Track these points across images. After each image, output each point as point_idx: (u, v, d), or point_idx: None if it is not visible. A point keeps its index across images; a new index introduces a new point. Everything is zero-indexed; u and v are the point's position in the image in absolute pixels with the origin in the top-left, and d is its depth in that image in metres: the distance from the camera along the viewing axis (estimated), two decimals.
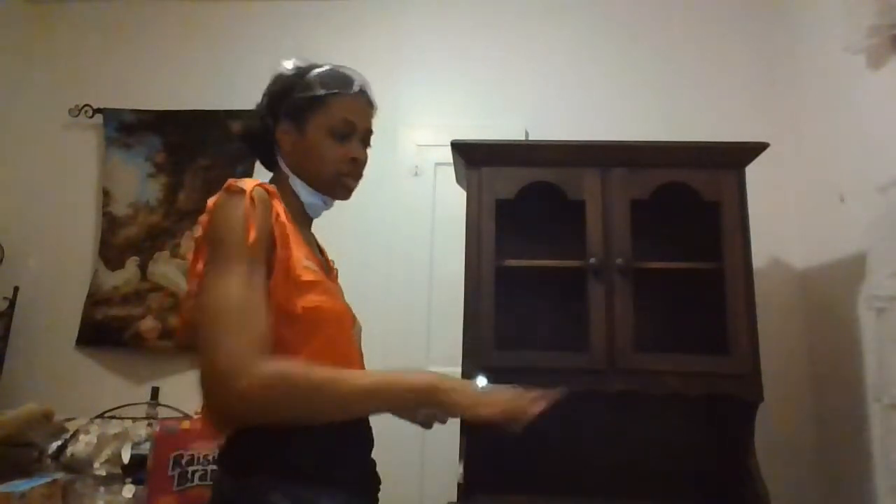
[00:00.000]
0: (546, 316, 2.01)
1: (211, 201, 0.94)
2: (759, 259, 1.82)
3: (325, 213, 1.12)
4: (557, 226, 1.91)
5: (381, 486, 1.05)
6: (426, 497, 2.10)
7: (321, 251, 1.16)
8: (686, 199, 1.79)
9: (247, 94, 2.77)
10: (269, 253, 0.90)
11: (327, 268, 1.11)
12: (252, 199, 0.91)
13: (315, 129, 1.03)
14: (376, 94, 1.09)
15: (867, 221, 1.74)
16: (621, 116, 2.36)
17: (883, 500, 1.66)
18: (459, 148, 1.84)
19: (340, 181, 1.05)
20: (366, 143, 1.08)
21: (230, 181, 0.95)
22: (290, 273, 0.91)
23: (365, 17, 2.57)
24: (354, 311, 1.08)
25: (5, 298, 2.40)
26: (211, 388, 0.81)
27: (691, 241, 1.89)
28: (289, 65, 1.07)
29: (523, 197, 1.82)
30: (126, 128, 2.55)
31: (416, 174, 2.40)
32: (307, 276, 0.93)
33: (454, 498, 1.69)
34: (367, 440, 1.03)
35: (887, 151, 1.69)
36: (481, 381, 1.13)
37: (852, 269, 1.84)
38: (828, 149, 2.06)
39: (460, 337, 1.74)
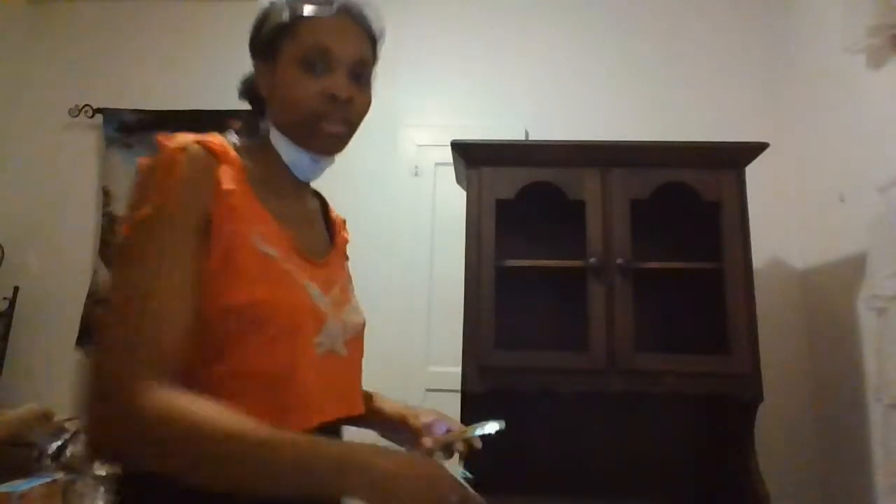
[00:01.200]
0: (546, 316, 2.01)
1: (140, 160, 0.76)
2: (759, 259, 1.82)
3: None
4: (557, 226, 1.91)
5: None
6: None
7: (330, 223, 1.00)
8: (686, 199, 1.79)
9: None
10: (206, 229, 0.72)
11: (315, 249, 0.88)
12: (179, 159, 0.72)
13: (285, 62, 0.82)
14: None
15: (867, 221, 1.74)
16: (621, 116, 2.36)
17: (883, 500, 1.66)
18: (459, 148, 1.84)
19: (318, 125, 0.82)
20: (359, 77, 0.85)
21: (160, 137, 0.75)
22: (230, 256, 0.72)
23: None
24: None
25: (5, 298, 2.40)
26: (85, 405, 0.62)
27: (691, 241, 1.89)
28: None
29: (523, 197, 1.82)
30: (126, 128, 2.54)
31: (416, 174, 2.40)
32: (251, 261, 0.74)
33: None
34: None
35: (887, 151, 1.69)
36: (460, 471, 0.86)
37: (852, 269, 1.84)
38: (828, 149, 2.06)
39: (460, 337, 1.74)
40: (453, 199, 2.07)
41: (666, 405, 1.86)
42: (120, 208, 2.48)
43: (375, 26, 0.89)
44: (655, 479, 1.86)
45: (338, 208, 1.05)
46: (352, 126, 0.86)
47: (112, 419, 0.62)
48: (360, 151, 0.99)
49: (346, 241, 1.03)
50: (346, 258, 1.02)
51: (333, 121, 0.83)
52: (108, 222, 2.47)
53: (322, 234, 0.96)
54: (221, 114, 2.45)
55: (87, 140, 2.60)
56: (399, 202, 2.40)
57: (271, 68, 0.85)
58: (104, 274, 2.42)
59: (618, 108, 2.39)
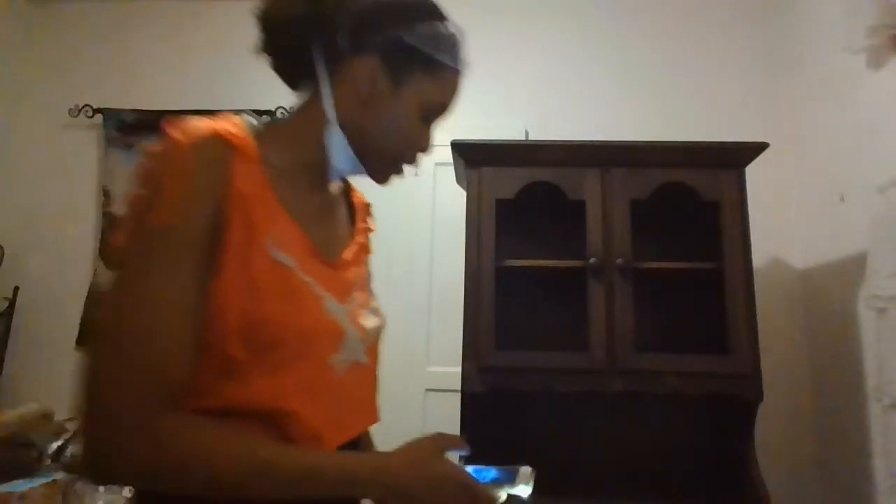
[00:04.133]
0: (546, 316, 2.00)
1: (147, 149, 0.67)
2: (759, 259, 1.82)
3: None
4: (557, 226, 1.91)
5: None
6: None
7: (354, 215, 0.93)
8: (686, 199, 1.79)
9: (247, 95, 2.77)
10: (217, 235, 0.64)
11: (333, 247, 0.81)
12: (189, 156, 0.64)
13: (413, 96, 0.76)
14: None
15: (867, 221, 1.74)
16: (621, 116, 2.36)
17: (883, 500, 1.66)
18: (459, 148, 1.84)
19: (398, 167, 0.82)
20: None
21: (167, 123, 0.68)
22: (241, 267, 0.65)
23: None
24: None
25: (5, 298, 2.40)
26: (81, 437, 0.61)
27: (691, 241, 1.89)
28: None
29: (523, 197, 1.82)
30: (126, 128, 2.54)
31: (416, 174, 2.39)
32: (264, 273, 0.66)
33: None
34: None
35: (887, 151, 1.69)
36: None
37: (852, 269, 1.84)
38: (828, 149, 2.06)
39: (460, 337, 1.74)
40: (453, 199, 2.07)
41: (666, 405, 1.86)
42: (120, 208, 2.48)
43: None
44: (655, 479, 1.86)
45: None
46: None
47: (118, 451, 0.60)
48: None
49: (369, 232, 0.96)
50: (369, 250, 0.96)
51: (408, 169, 0.84)
52: (108, 222, 2.47)
53: (343, 226, 0.88)
54: (221, 114, 2.47)
55: (87, 140, 2.59)
56: (399, 202, 2.39)
57: (394, 82, 0.75)
58: (104, 274, 2.42)
59: (618, 108, 2.39)
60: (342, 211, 0.89)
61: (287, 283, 0.68)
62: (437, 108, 0.79)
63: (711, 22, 2.46)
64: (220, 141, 0.67)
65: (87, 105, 2.57)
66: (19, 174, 2.59)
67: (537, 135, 2.36)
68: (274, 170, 0.72)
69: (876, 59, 1.73)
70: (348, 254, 0.84)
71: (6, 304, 2.39)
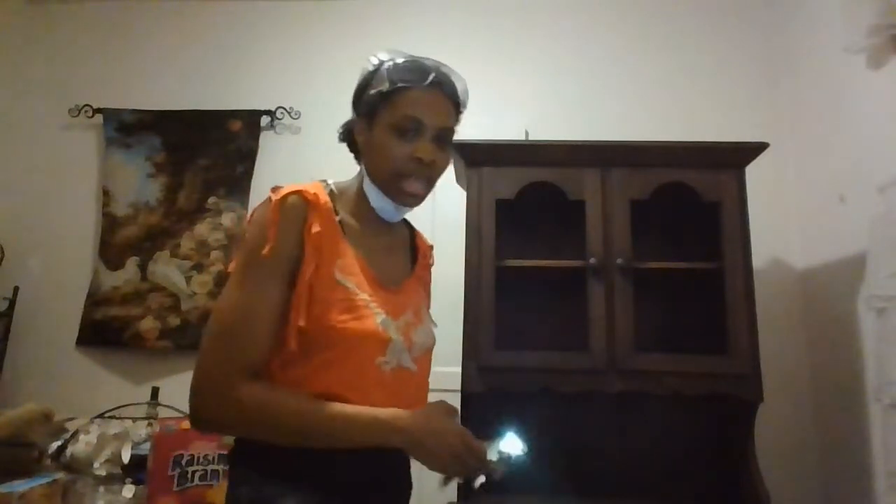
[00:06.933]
0: (546, 316, 2.01)
1: (254, 209, 0.97)
2: (759, 259, 1.82)
3: None
4: (557, 226, 1.91)
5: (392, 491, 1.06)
6: (426, 497, 2.10)
7: (415, 250, 1.15)
8: (686, 199, 1.79)
9: (247, 95, 2.76)
10: (296, 264, 0.91)
11: (393, 277, 1.03)
12: (278, 208, 0.91)
13: (381, 126, 0.97)
14: None
15: (867, 221, 1.74)
16: (621, 116, 2.36)
17: (883, 500, 1.66)
18: (459, 148, 1.84)
19: (399, 183, 0.98)
20: (441, 143, 1.01)
21: (275, 186, 0.95)
22: (314, 288, 0.90)
23: (365, 17, 2.57)
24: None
25: (5, 298, 2.40)
26: (190, 395, 0.87)
27: (691, 241, 1.89)
28: (374, 59, 1.01)
29: (523, 197, 1.82)
30: (126, 128, 2.54)
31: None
32: (328, 291, 0.91)
33: (454, 498, 1.69)
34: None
35: (887, 151, 1.69)
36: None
37: (852, 269, 1.84)
38: (828, 149, 2.06)
39: (460, 337, 1.74)
40: (453, 199, 2.07)
41: (666, 405, 1.86)
42: (120, 208, 2.48)
43: (461, 95, 1.07)
44: (655, 479, 1.86)
45: None
46: (431, 183, 1.03)
47: (213, 405, 0.86)
48: None
49: (427, 267, 1.17)
50: (427, 282, 1.17)
51: (415, 180, 0.99)
52: (109, 222, 2.47)
53: (403, 263, 1.11)
54: (221, 114, 2.48)
55: (87, 140, 2.59)
56: None
57: (369, 126, 0.99)
58: (104, 274, 2.42)
59: (618, 108, 2.39)
60: (404, 252, 1.13)
61: (345, 299, 0.91)
62: (406, 120, 0.96)
63: (711, 22, 2.46)
64: (299, 198, 0.93)
65: (87, 105, 2.57)
66: (19, 174, 2.59)
67: (537, 135, 2.36)
68: (345, 218, 0.99)
69: (876, 59, 1.73)
70: (407, 284, 1.06)
71: (6, 304, 2.39)
